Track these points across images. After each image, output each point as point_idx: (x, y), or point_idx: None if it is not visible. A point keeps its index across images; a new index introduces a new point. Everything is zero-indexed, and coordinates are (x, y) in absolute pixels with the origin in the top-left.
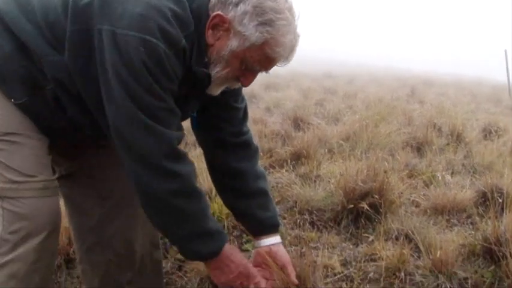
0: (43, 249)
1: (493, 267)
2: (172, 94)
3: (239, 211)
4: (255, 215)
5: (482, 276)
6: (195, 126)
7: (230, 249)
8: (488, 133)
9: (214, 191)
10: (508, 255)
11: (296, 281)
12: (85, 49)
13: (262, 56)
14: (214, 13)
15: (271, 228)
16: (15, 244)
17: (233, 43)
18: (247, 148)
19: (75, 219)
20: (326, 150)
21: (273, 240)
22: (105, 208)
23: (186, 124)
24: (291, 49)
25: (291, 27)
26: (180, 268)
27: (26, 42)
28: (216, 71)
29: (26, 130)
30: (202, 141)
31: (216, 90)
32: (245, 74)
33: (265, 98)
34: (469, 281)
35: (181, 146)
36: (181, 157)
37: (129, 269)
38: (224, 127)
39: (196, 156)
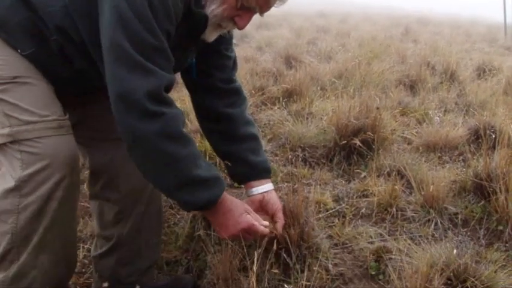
0: (67, 186)
1: (482, 202)
2: (169, 38)
3: (230, 156)
4: (246, 158)
5: (472, 212)
6: (194, 75)
7: (230, 200)
8: (482, 72)
9: None
10: (498, 191)
11: (280, 231)
12: None
13: None
14: None
15: (263, 173)
16: (37, 184)
17: None
18: (236, 95)
19: (90, 157)
20: (318, 88)
21: (266, 187)
22: (120, 147)
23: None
24: None
25: None
26: (172, 206)
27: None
28: (212, 9)
29: (35, 74)
30: (192, 86)
31: (211, 36)
32: (240, 14)
33: (257, 37)
34: (459, 216)
35: None
36: (167, 101)
37: (141, 203)
38: (215, 74)
39: None
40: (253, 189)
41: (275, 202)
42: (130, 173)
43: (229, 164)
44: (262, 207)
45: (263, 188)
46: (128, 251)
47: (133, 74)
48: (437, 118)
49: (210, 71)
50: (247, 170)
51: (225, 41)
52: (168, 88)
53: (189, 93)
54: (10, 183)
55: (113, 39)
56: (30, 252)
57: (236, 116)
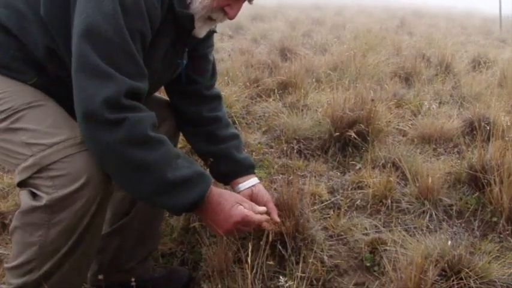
0: (100, 200)
1: (477, 194)
2: (144, 41)
3: (214, 156)
4: (232, 155)
5: (467, 203)
6: (183, 79)
7: (218, 193)
8: (477, 64)
9: None
10: (493, 182)
11: (278, 219)
12: None
13: None
14: None
15: (249, 168)
16: (70, 202)
17: None
18: (217, 100)
19: None
20: (313, 80)
21: (253, 181)
22: None
23: None
24: None
25: None
26: None
27: (10, 28)
28: (200, 1)
29: (45, 97)
30: (176, 94)
31: (201, 30)
32: (230, 3)
33: (252, 29)
34: (454, 208)
35: None
36: (130, 107)
37: None
38: (199, 81)
39: None
40: (240, 185)
41: (264, 194)
42: None
43: (213, 162)
44: (252, 201)
45: (250, 182)
46: (132, 234)
47: (91, 82)
48: (436, 108)
49: (195, 77)
50: (234, 167)
51: (210, 44)
52: (136, 95)
53: (170, 100)
54: (40, 202)
55: (77, 46)
56: (55, 262)
57: (219, 119)
